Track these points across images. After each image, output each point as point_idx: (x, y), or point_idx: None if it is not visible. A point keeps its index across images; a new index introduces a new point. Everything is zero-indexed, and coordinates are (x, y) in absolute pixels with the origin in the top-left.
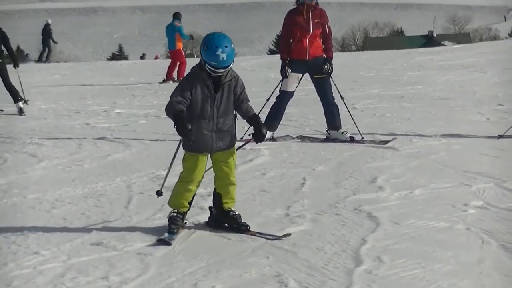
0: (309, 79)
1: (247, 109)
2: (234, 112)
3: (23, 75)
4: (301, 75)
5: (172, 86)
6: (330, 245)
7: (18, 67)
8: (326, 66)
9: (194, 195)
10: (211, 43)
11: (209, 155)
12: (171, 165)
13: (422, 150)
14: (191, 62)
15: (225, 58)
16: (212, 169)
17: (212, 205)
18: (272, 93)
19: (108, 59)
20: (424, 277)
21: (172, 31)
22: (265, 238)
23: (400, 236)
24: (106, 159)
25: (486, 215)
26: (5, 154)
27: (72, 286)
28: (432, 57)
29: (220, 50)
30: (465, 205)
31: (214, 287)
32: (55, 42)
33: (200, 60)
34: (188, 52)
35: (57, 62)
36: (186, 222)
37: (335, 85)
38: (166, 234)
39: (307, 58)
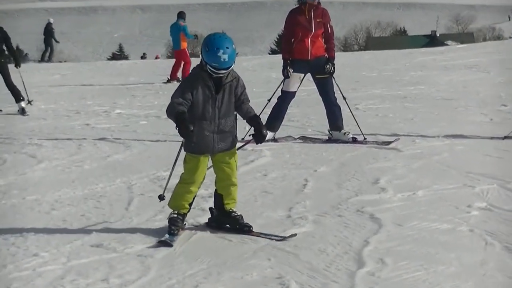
0: (311, 79)
1: (248, 109)
2: (235, 112)
3: (15, 75)
4: (303, 75)
5: (175, 86)
6: (332, 247)
7: (19, 66)
8: (328, 66)
9: (195, 196)
10: (212, 44)
11: (209, 156)
12: (173, 168)
13: (425, 151)
14: (196, 62)
15: (226, 59)
16: (212, 169)
17: (213, 206)
18: (274, 93)
19: (108, 59)
20: (427, 279)
21: (177, 31)
22: (269, 238)
23: (403, 237)
24: (106, 160)
25: (489, 216)
26: (4, 154)
27: None
28: (435, 57)
29: (221, 51)
30: (468, 206)
31: None
32: (57, 42)
33: (201, 61)
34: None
35: (60, 62)
36: (185, 224)
37: (337, 85)
38: (167, 236)
39: (309, 58)
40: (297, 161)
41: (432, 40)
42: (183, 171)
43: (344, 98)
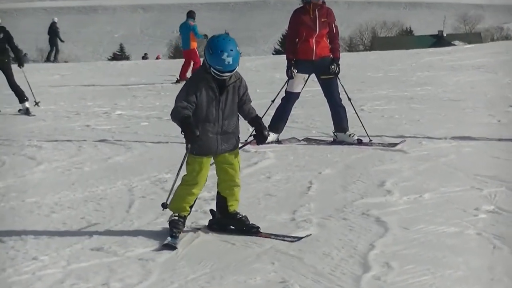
0: (316, 79)
1: (249, 110)
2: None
3: (19, 75)
4: (307, 75)
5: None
6: (337, 251)
7: (23, 66)
8: (333, 66)
9: (196, 199)
10: (216, 46)
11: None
12: (178, 174)
13: (431, 152)
14: None
15: (230, 62)
16: (215, 171)
17: (215, 209)
18: (278, 94)
19: (109, 59)
20: (434, 284)
21: (186, 30)
22: (282, 240)
23: (409, 241)
24: (106, 162)
25: (497, 219)
26: (3, 156)
27: None
28: (442, 57)
29: (225, 54)
30: (476, 209)
31: None
32: (62, 41)
33: (204, 62)
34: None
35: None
36: (184, 227)
37: (342, 86)
38: (169, 239)
39: (314, 58)
40: (301, 163)
41: (439, 40)
42: (185, 173)
43: (349, 99)
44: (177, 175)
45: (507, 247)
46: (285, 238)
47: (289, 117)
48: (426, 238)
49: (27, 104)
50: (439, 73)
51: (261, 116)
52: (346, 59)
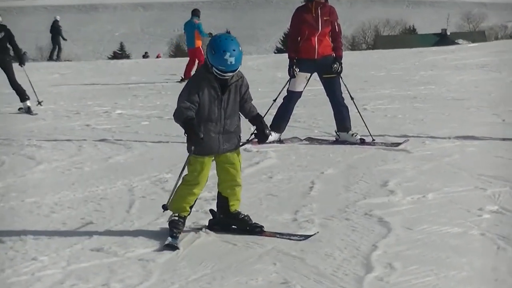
0: (318, 78)
1: (250, 108)
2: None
3: (21, 74)
4: (309, 74)
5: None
6: (339, 251)
7: (24, 65)
8: (335, 65)
9: (196, 199)
10: (219, 46)
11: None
12: (180, 177)
13: (435, 152)
14: None
15: (233, 62)
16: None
17: (216, 209)
18: (280, 93)
19: (109, 58)
20: (438, 285)
21: (191, 29)
22: (288, 239)
23: (412, 242)
24: (107, 161)
25: (501, 220)
26: (3, 156)
27: None
28: (445, 56)
29: (228, 54)
30: (480, 209)
31: None
32: (64, 39)
33: (206, 62)
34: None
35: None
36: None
37: (344, 85)
38: (170, 239)
39: (316, 57)
40: (303, 163)
41: (442, 39)
42: (186, 173)
43: (352, 98)
44: (179, 177)
45: (511, 247)
46: (291, 237)
47: (291, 117)
48: (429, 238)
49: (28, 103)
50: (443, 72)
51: (263, 116)
52: (348, 58)
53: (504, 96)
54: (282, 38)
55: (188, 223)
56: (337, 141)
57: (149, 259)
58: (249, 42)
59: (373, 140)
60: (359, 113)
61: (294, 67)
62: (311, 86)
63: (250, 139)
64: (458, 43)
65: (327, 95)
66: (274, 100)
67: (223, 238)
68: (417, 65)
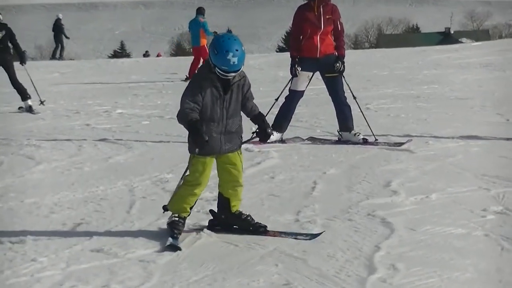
0: (320, 78)
1: (252, 107)
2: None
3: (21, 73)
4: (311, 73)
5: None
6: (342, 252)
7: (25, 63)
8: (338, 64)
9: (196, 200)
10: (221, 46)
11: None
12: (182, 178)
13: (438, 152)
14: None
15: (236, 62)
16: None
17: (217, 209)
18: (281, 92)
19: (110, 57)
20: (441, 286)
21: (196, 27)
22: (294, 238)
23: (415, 243)
24: (107, 161)
25: (506, 220)
26: (1, 156)
27: None
28: (449, 55)
29: (231, 54)
30: (484, 210)
31: None
32: (67, 38)
33: (207, 61)
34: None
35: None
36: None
37: (347, 84)
38: (171, 240)
39: (318, 56)
40: (306, 163)
41: (446, 38)
42: (187, 174)
43: (355, 98)
44: (182, 178)
45: None
46: (297, 237)
47: (293, 116)
48: (433, 239)
49: (29, 102)
50: (446, 71)
51: (265, 115)
52: (351, 56)
53: (508, 95)
54: (284, 37)
55: (189, 224)
56: (339, 141)
57: (149, 260)
58: (251, 41)
59: (376, 140)
60: (362, 112)
61: (296, 66)
62: (313, 85)
63: (251, 137)
64: (461, 42)
65: (330, 94)
66: (276, 100)
67: (225, 239)
68: (420, 64)
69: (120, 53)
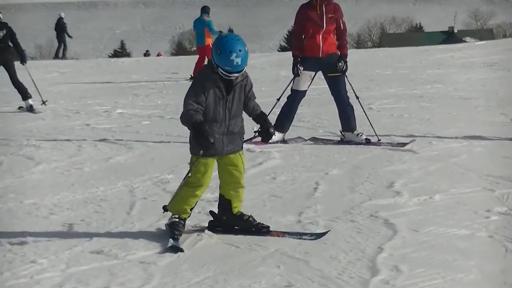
0: (322, 77)
1: (254, 107)
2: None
3: (22, 72)
4: (314, 73)
5: (186, 85)
6: (344, 254)
7: (25, 63)
8: (340, 63)
9: (197, 201)
10: (224, 47)
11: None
12: (184, 179)
13: (442, 153)
14: None
15: (239, 63)
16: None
17: (218, 210)
18: (283, 92)
19: (110, 56)
20: None
21: (201, 26)
22: (298, 238)
23: (419, 244)
24: (107, 162)
25: (510, 221)
26: (1, 156)
27: None
28: (453, 54)
29: (234, 54)
30: (488, 211)
31: None
32: (70, 37)
33: (210, 62)
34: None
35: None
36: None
37: (349, 84)
38: (172, 241)
39: (320, 55)
40: (308, 163)
41: (449, 37)
42: (189, 174)
43: (357, 98)
44: (184, 179)
45: None
46: (302, 237)
47: (295, 116)
48: (436, 240)
49: (30, 101)
50: (450, 70)
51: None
52: (354, 56)
53: None
54: (286, 36)
55: (190, 225)
56: (342, 141)
57: (150, 261)
58: (252, 40)
59: (379, 140)
60: (365, 112)
61: (298, 66)
62: (316, 85)
63: (253, 137)
64: (465, 41)
65: (332, 94)
66: (278, 99)
67: (226, 240)
68: (423, 63)
69: (121, 52)
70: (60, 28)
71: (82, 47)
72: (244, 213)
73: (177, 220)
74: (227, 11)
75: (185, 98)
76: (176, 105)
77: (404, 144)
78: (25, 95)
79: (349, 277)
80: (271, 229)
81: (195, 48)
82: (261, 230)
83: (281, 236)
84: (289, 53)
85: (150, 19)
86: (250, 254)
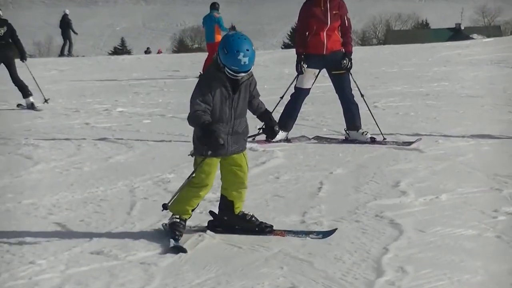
0: (327, 75)
1: (258, 105)
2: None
3: (23, 69)
4: (318, 70)
5: (188, 83)
6: (349, 255)
7: (26, 60)
8: (345, 61)
9: (199, 202)
10: (231, 46)
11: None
12: (188, 179)
13: (448, 151)
14: None
15: (246, 62)
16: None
17: (219, 211)
18: (287, 90)
19: (110, 54)
20: None
21: (211, 22)
22: (301, 237)
23: (425, 244)
24: (107, 161)
25: None
26: None
27: None
28: (459, 51)
29: (241, 54)
30: (495, 211)
31: None
32: (75, 33)
33: (216, 61)
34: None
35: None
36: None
37: (354, 81)
38: (174, 242)
39: (325, 52)
40: (312, 162)
41: (456, 34)
42: (193, 175)
43: (362, 96)
44: (187, 179)
45: None
46: (309, 235)
47: (299, 115)
48: (442, 241)
49: (31, 99)
50: (457, 68)
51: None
52: (358, 53)
53: None
54: (289, 33)
55: (192, 225)
56: (346, 140)
57: (151, 262)
58: (256, 37)
59: (384, 139)
60: (370, 110)
61: (302, 63)
62: (320, 83)
63: (257, 133)
64: (472, 38)
65: (336, 92)
66: (281, 97)
67: (228, 241)
68: (430, 61)
69: (121, 49)
70: (65, 25)
71: (82, 45)
72: (246, 212)
73: (178, 220)
74: (230, 8)
75: (191, 99)
76: (178, 103)
77: (410, 143)
78: (25, 92)
79: (354, 278)
80: (274, 228)
81: (196, 46)
82: (265, 229)
83: (286, 235)
84: (293, 51)
85: (150, 15)
86: (253, 255)
